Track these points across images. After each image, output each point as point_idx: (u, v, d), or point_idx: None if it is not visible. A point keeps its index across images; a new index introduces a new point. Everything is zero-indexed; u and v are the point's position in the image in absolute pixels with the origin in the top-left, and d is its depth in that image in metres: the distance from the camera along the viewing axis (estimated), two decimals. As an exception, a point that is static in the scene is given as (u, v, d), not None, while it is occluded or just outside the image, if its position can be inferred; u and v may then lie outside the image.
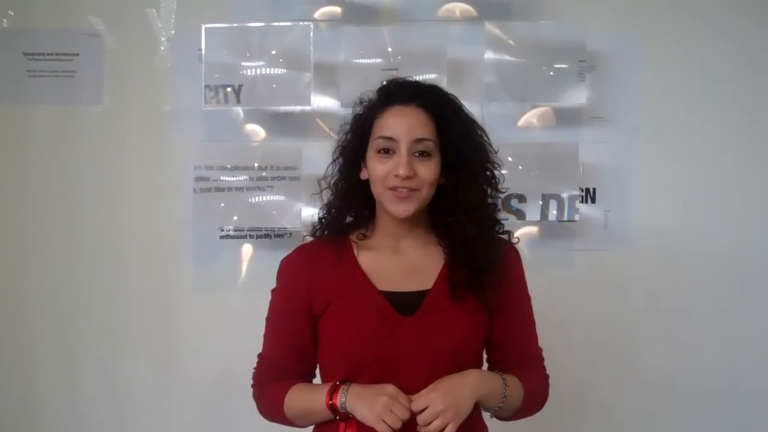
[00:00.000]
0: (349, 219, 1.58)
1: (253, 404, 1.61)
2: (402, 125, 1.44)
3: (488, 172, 1.52)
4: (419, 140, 1.43)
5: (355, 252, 1.54)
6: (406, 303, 1.47)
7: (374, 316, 1.46)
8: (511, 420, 1.55)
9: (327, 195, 1.60)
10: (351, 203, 1.57)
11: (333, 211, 1.58)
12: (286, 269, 1.57)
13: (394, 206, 1.45)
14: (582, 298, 2.42)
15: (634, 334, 2.44)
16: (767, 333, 2.43)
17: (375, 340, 1.44)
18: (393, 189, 1.44)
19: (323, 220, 1.59)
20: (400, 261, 1.53)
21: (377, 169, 1.45)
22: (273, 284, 1.59)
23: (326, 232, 1.59)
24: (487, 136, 1.54)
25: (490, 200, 1.53)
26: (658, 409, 2.44)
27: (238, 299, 2.42)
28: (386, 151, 1.45)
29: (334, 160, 1.59)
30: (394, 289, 1.49)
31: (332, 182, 1.58)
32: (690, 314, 2.43)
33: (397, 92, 1.49)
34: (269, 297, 1.59)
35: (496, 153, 1.55)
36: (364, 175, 1.52)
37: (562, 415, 2.38)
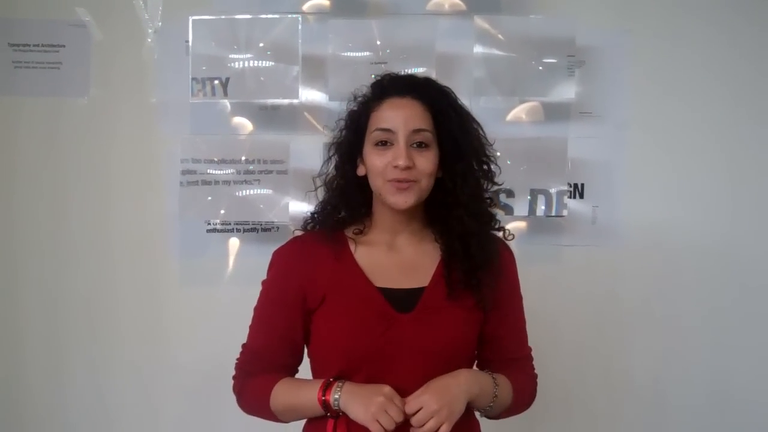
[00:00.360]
0: (342, 214, 1.57)
1: (241, 399, 1.60)
2: (399, 116, 1.43)
3: (485, 166, 1.52)
4: (417, 131, 1.43)
5: (352, 248, 1.53)
6: (402, 300, 1.46)
7: (371, 312, 1.45)
8: (499, 419, 1.56)
9: (321, 192, 1.59)
10: (347, 200, 1.55)
11: (328, 207, 1.56)
12: (279, 261, 1.56)
13: (394, 197, 1.43)
14: (569, 293, 2.43)
15: (622, 329, 2.45)
16: (759, 330, 2.44)
17: (371, 336, 1.43)
18: (392, 181, 1.42)
19: (316, 216, 1.58)
20: (397, 257, 1.52)
21: (376, 162, 1.44)
22: (260, 278, 1.57)
23: (318, 227, 1.57)
24: (482, 129, 1.53)
25: (485, 194, 1.53)
26: (644, 403, 2.47)
27: (225, 293, 2.40)
28: (384, 144, 1.44)
29: (329, 158, 1.57)
30: (390, 285, 1.48)
31: (327, 180, 1.57)
32: (678, 310, 2.44)
33: (392, 85, 1.49)
34: (257, 290, 1.57)
35: (491, 146, 1.55)
36: (360, 171, 1.51)
37: (549, 411, 2.38)
